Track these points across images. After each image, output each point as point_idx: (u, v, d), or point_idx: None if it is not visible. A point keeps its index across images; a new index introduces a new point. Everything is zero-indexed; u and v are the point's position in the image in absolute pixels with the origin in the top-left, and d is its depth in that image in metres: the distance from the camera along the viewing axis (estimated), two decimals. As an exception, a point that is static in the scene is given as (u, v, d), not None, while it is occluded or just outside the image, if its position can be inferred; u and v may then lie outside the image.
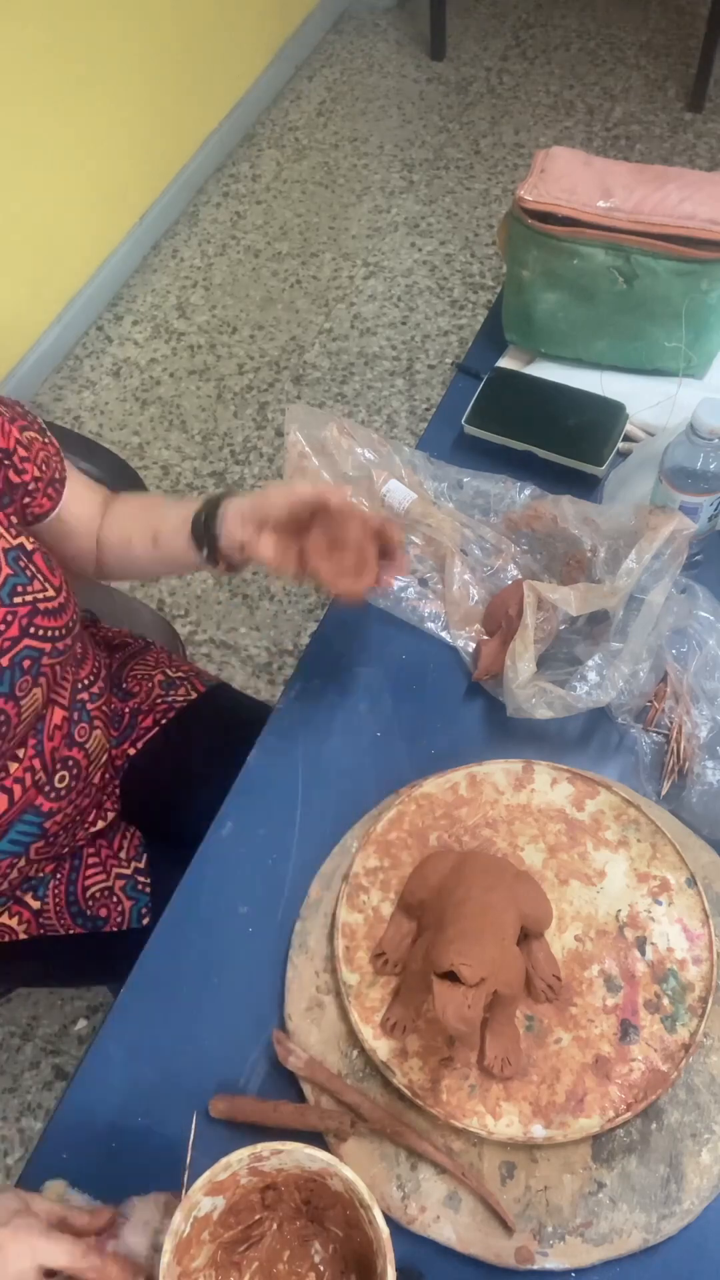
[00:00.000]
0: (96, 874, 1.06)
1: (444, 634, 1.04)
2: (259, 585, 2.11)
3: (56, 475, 0.97)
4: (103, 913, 1.05)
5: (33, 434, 0.94)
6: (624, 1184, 0.76)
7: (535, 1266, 0.73)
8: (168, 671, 1.21)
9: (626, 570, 0.93)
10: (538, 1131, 0.76)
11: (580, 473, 1.11)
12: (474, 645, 1.03)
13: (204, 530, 0.92)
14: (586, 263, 1.11)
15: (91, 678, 1.05)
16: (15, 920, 1.05)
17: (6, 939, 1.05)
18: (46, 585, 0.92)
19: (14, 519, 0.92)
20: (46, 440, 0.96)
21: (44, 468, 0.95)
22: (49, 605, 0.91)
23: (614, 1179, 0.76)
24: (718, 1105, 0.78)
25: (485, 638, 1.02)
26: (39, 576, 0.91)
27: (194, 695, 1.19)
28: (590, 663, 0.93)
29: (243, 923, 0.90)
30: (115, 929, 1.05)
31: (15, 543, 0.90)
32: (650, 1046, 0.79)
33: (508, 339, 1.24)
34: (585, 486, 1.09)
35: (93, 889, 1.06)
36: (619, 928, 0.85)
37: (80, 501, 1.00)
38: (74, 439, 1.27)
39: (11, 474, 0.91)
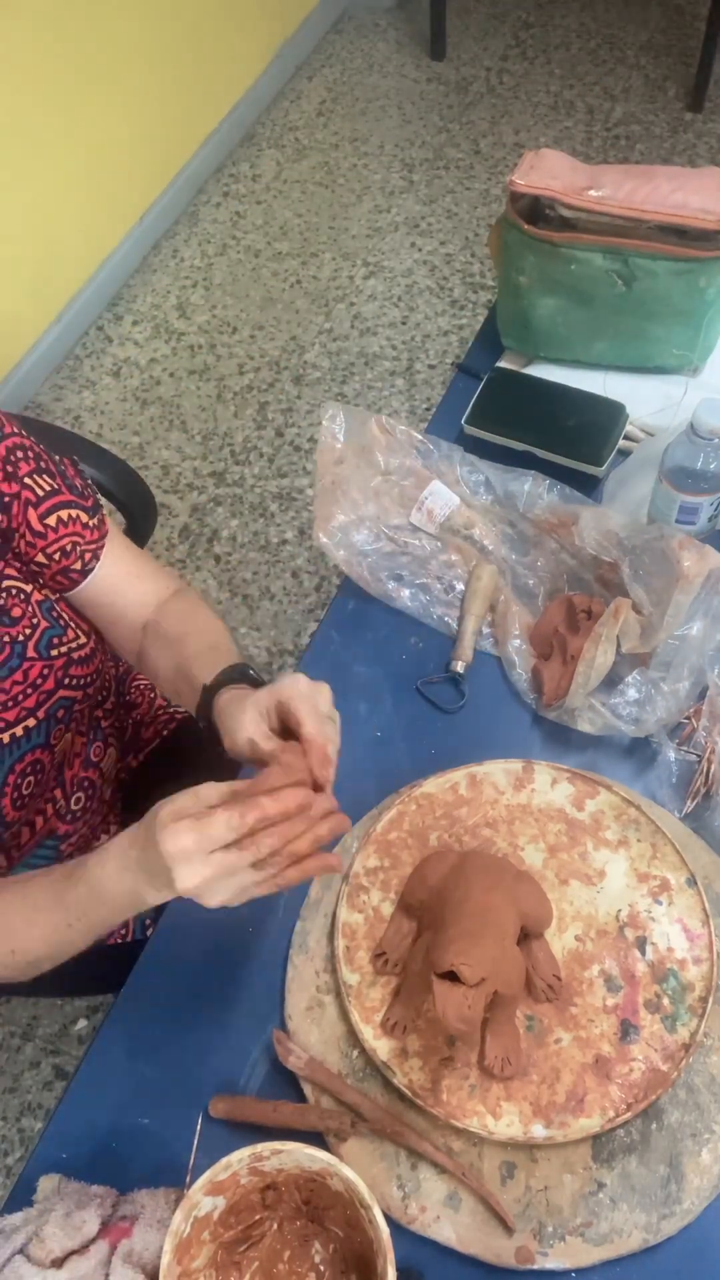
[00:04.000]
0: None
1: (458, 633, 1.04)
2: (259, 585, 2.11)
3: (75, 566, 0.90)
4: None
5: (76, 513, 0.88)
6: (624, 1184, 0.76)
7: (535, 1266, 0.73)
8: None
9: (669, 619, 0.93)
10: (538, 1131, 0.76)
11: (580, 473, 1.11)
12: (530, 668, 1.00)
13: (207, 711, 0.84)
14: (584, 267, 1.11)
15: (105, 694, 1.05)
16: None
17: None
18: (79, 633, 0.91)
19: (42, 574, 0.90)
20: (91, 525, 0.89)
21: (60, 556, 0.88)
22: (82, 654, 0.91)
23: (614, 1179, 0.76)
24: (718, 1105, 0.78)
25: (538, 659, 1.01)
26: (71, 625, 0.90)
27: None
28: (630, 679, 0.93)
29: (243, 923, 0.90)
30: (119, 940, 1.05)
31: (44, 595, 0.89)
32: (650, 1046, 0.79)
33: (505, 344, 1.24)
34: (585, 487, 1.09)
35: None
36: (619, 928, 0.85)
37: (123, 592, 0.93)
38: (76, 441, 1.26)
39: (22, 546, 0.88)
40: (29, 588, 0.88)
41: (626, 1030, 0.80)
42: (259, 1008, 0.85)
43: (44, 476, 0.87)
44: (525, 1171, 0.76)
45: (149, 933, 1.04)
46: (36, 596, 0.88)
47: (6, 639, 0.85)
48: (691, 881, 0.86)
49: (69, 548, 0.89)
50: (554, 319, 1.17)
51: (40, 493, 0.86)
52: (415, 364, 2.42)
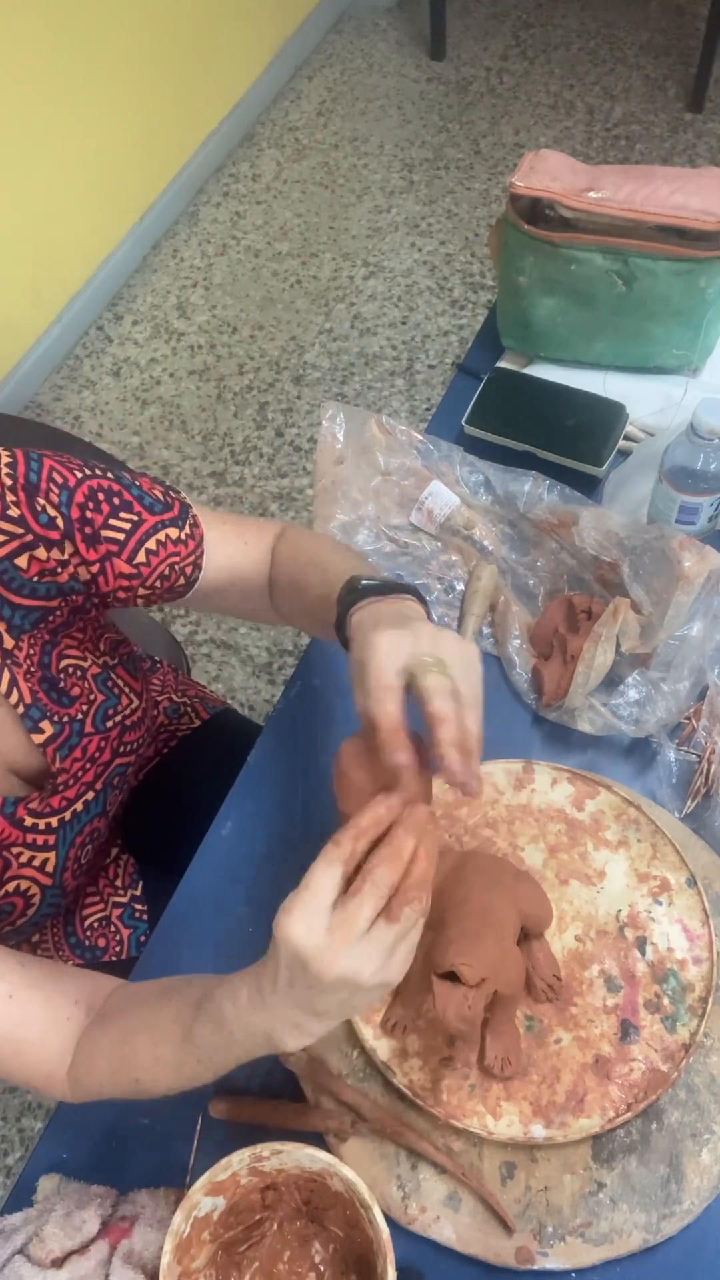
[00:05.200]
0: (94, 904, 1.05)
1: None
2: (259, 585, 2.11)
3: (179, 583, 0.84)
4: (101, 943, 1.04)
5: (168, 532, 0.81)
6: (624, 1184, 0.76)
7: (535, 1266, 0.73)
8: (174, 696, 1.20)
9: (670, 619, 0.93)
10: (538, 1131, 0.76)
11: (580, 473, 1.11)
12: (530, 668, 1.00)
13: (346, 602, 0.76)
14: (584, 267, 1.11)
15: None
16: None
17: None
18: (131, 697, 0.89)
19: (102, 641, 0.87)
20: (184, 537, 0.82)
21: (160, 582, 0.82)
22: (133, 719, 0.90)
23: (614, 1179, 0.76)
24: (718, 1105, 0.78)
25: (538, 659, 1.01)
26: (126, 692, 0.89)
27: (197, 723, 1.18)
28: (630, 679, 0.93)
29: (243, 923, 0.90)
30: (114, 958, 1.05)
31: (101, 662, 0.87)
32: (650, 1046, 0.79)
33: (504, 344, 1.24)
34: (585, 487, 1.09)
35: (90, 919, 1.05)
36: (619, 928, 0.85)
37: (237, 560, 0.87)
38: (76, 442, 1.27)
39: (113, 603, 0.83)
40: (86, 663, 0.85)
41: (626, 1030, 0.80)
42: (259, 1008, 0.85)
43: (123, 514, 0.79)
44: (525, 1171, 0.76)
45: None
46: (93, 671, 0.86)
47: (65, 719, 0.82)
48: (691, 882, 0.86)
49: (167, 571, 0.82)
50: (554, 319, 1.17)
51: (123, 535, 0.79)
52: (415, 364, 2.42)
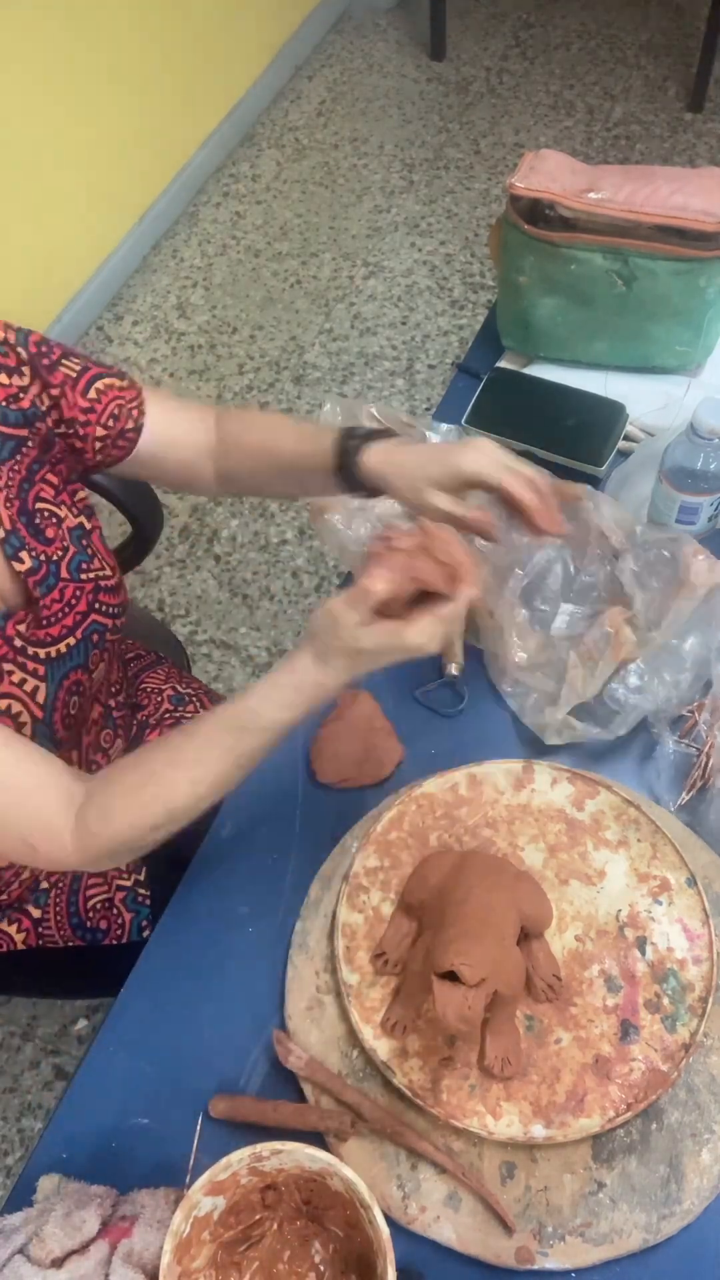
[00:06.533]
0: (97, 886, 1.06)
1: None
2: (259, 585, 2.11)
3: (128, 426, 0.94)
4: (103, 925, 1.05)
5: (109, 380, 0.92)
6: (624, 1184, 0.76)
7: (535, 1266, 0.73)
8: (178, 687, 1.21)
9: (667, 625, 0.93)
10: (538, 1131, 0.76)
11: (581, 473, 1.11)
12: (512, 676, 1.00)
13: (351, 445, 0.89)
14: (584, 267, 1.11)
15: (117, 686, 1.06)
16: (15, 928, 1.04)
17: (4, 948, 1.05)
18: (104, 564, 0.94)
19: (78, 495, 0.93)
20: (124, 385, 0.93)
21: (112, 422, 0.92)
22: (108, 583, 0.94)
23: (614, 1179, 0.76)
24: (718, 1105, 0.78)
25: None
26: (98, 555, 0.93)
27: (201, 712, 1.19)
28: (632, 666, 0.93)
29: (243, 923, 0.90)
30: (115, 941, 1.05)
31: (77, 522, 0.91)
32: (650, 1046, 0.79)
33: (504, 344, 1.24)
34: (585, 486, 1.09)
35: (93, 900, 1.05)
36: (619, 928, 0.85)
37: (179, 431, 0.97)
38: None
39: (76, 442, 0.91)
40: (62, 512, 0.90)
41: (626, 1030, 0.80)
42: (259, 1008, 0.85)
43: (72, 358, 0.90)
44: (525, 1171, 0.76)
45: (145, 935, 1.04)
46: (69, 523, 0.90)
47: (43, 557, 0.87)
48: (691, 881, 0.86)
49: (116, 411, 0.92)
50: (554, 319, 1.17)
51: (74, 373, 0.89)
52: (415, 364, 2.42)
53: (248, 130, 2.95)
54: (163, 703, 1.18)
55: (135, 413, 0.94)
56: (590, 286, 1.13)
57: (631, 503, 1.08)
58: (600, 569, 1.01)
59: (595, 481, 1.12)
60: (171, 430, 0.97)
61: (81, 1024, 1.65)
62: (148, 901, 1.06)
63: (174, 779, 0.78)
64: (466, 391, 1.18)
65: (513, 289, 1.18)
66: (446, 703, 1.00)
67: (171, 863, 0.97)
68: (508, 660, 0.99)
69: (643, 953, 0.83)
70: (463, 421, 1.15)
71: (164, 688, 1.20)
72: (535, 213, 1.12)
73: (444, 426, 1.10)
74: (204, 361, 2.47)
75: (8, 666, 0.83)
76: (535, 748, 0.97)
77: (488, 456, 0.83)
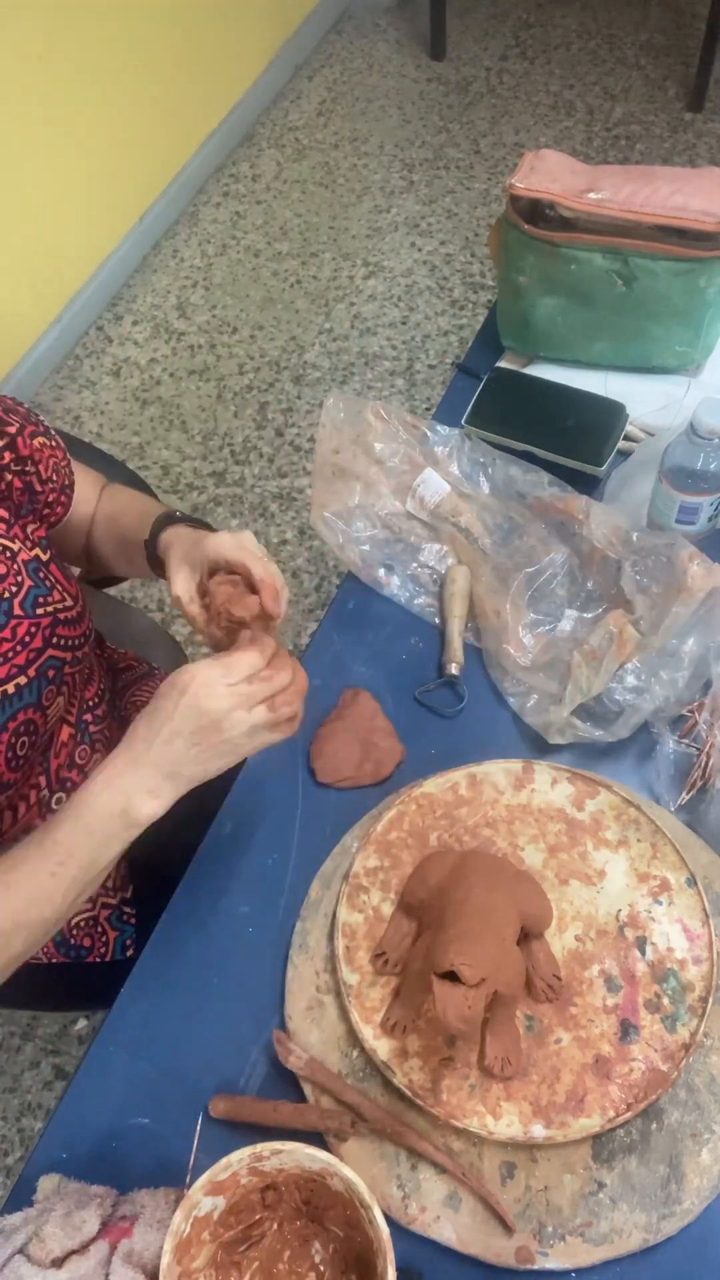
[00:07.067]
0: (83, 904, 1.05)
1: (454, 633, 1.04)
2: (259, 585, 2.11)
3: (66, 481, 0.97)
4: (86, 942, 1.04)
5: (41, 439, 0.93)
6: (624, 1184, 0.76)
7: (535, 1266, 0.73)
8: None
9: (665, 628, 0.93)
10: (538, 1131, 0.76)
11: (581, 473, 1.11)
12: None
13: (153, 538, 0.93)
14: (584, 267, 1.11)
15: (96, 699, 1.05)
16: None
17: None
18: (65, 595, 0.92)
19: (31, 529, 0.92)
20: (54, 444, 0.95)
21: (55, 475, 0.94)
22: (68, 615, 0.92)
23: (614, 1179, 0.76)
24: (718, 1105, 0.78)
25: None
26: (58, 587, 0.92)
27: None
28: (630, 666, 0.93)
29: (243, 923, 0.90)
30: (99, 959, 1.04)
31: (33, 554, 0.90)
32: (650, 1046, 0.79)
33: (504, 344, 1.24)
34: (586, 486, 1.09)
35: (78, 918, 1.04)
36: (619, 928, 0.85)
37: (85, 501, 1.01)
38: (75, 444, 1.26)
39: (35, 482, 0.91)
40: (15, 546, 0.89)
41: (626, 1030, 0.80)
42: (259, 1008, 0.85)
43: (10, 414, 0.91)
44: (525, 1171, 0.76)
45: (129, 954, 1.04)
46: (24, 556, 0.89)
47: None
48: (691, 881, 0.86)
49: (55, 466, 0.94)
50: (554, 319, 1.17)
51: (15, 428, 0.90)
52: (415, 364, 2.42)
53: (248, 130, 2.95)
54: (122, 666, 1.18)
55: (67, 470, 0.97)
56: (590, 286, 1.13)
57: (631, 503, 1.08)
58: (603, 576, 1.01)
59: (595, 481, 1.12)
60: (84, 496, 1.00)
61: (81, 1024, 1.65)
62: (133, 920, 1.05)
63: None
64: (466, 391, 1.18)
65: (513, 289, 1.18)
66: (446, 702, 1.00)
67: (156, 881, 0.96)
68: (510, 660, 0.99)
69: (643, 953, 0.83)
70: (463, 421, 1.15)
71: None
72: (535, 213, 1.12)
73: (442, 429, 1.11)
74: (204, 361, 2.47)
75: None
76: (536, 748, 0.97)
77: (230, 542, 0.83)
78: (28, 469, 0.90)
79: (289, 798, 0.96)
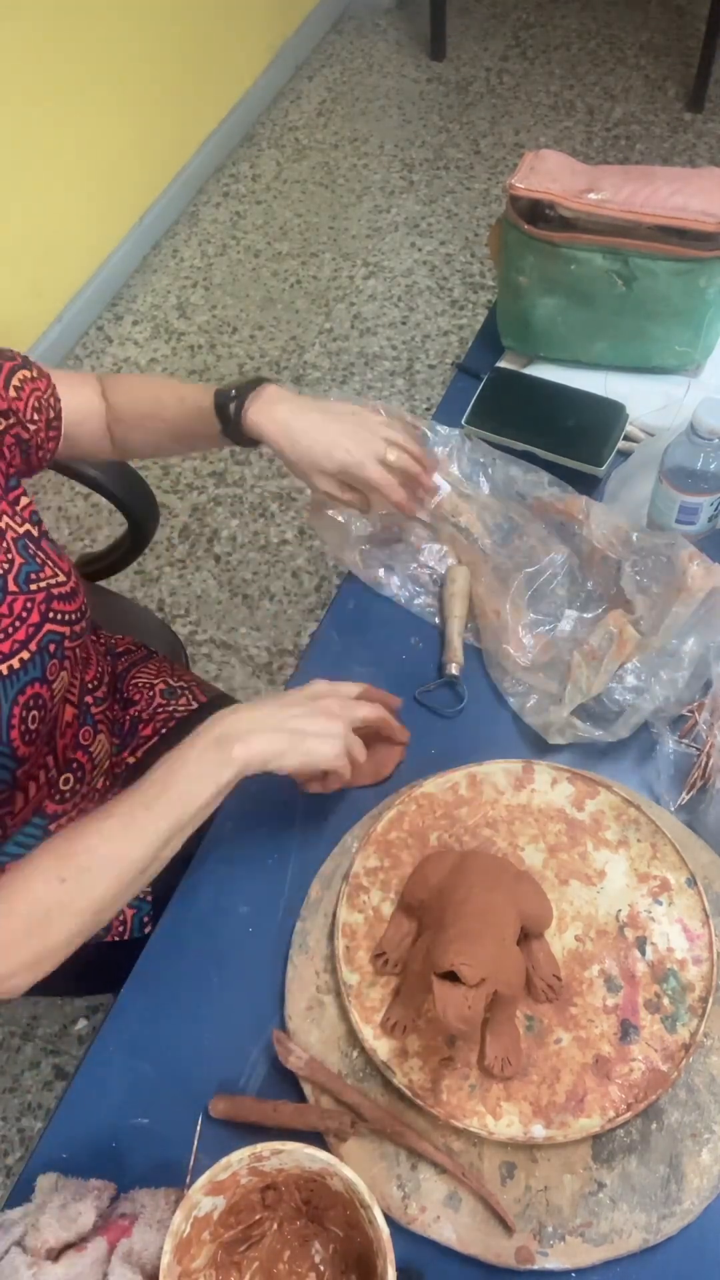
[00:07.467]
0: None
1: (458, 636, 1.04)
2: (259, 585, 2.11)
3: (51, 415, 0.97)
4: None
5: (23, 373, 0.93)
6: (624, 1184, 0.76)
7: (535, 1266, 0.73)
8: (170, 681, 1.21)
9: (665, 628, 0.93)
10: (538, 1131, 0.76)
11: (581, 473, 1.11)
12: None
13: (230, 408, 0.96)
14: (584, 267, 1.11)
15: (96, 682, 1.05)
16: None
17: None
18: (56, 571, 0.93)
19: (22, 503, 0.92)
20: (36, 375, 0.95)
21: (37, 415, 0.94)
22: (62, 590, 0.93)
23: (614, 1179, 0.76)
24: (718, 1105, 0.78)
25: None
26: (49, 563, 0.92)
27: (195, 705, 1.19)
28: (630, 665, 0.93)
29: (243, 923, 0.90)
30: (117, 938, 1.05)
31: (23, 530, 0.90)
32: (650, 1046, 0.79)
33: (505, 345, 1.24)
34: (585, 486, 1.09)
35: None
36: (619, 928, 0.85)
37: (77, 403, 1.01)
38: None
39: (22, 431, 0.92)
40: (3, 524, 0.89)
41: (626, 1030, 0.80)
42: (259, 1008, 0.85)
43: None
44: (525, 1171, 0.76)
45: (147, 930, 1.04)
46: (12, 534, 0.89)
47: None
48: (691, 881, 0.86)
49: (39, 405, 0.95)
50: (554, 319, 1.17)
51: None
52: (415, 364, 2.42)
53: (248, 130, 2.95)
54: (154, 698, 1.18)
55: (53, 400, 0.97)
56: (590, 286, 1.13)
57: (631, 503, 1.08)
58: (603, 576, 1.02)
59: (595, 481, 1.12)
60: (79, 410, 1.01)
61: (81, 1024, 1.65)
62: (149, 898, 1.06)
63: (77, 890, 0.77)
64: (466, 391, 1.18)
65: (513, 289, 1.18)
66: (446, 702, 1.00)
67: (173, 860, 0.97)
68: (510, 660, 0.99)
69: (643, 953, 0.83)
70: (463, 421, 1.15)
71: (155, 683, 1.20)
72: (535, 213, 1.12)
73: (442, 429, 1.10)
74: (204, 361, 2.47)
75: None
76: (536, 748, 0.97)
77: (362, 448, 0.94)
78: (11, 420, 0.91)
79: (289, 798, 0.96)
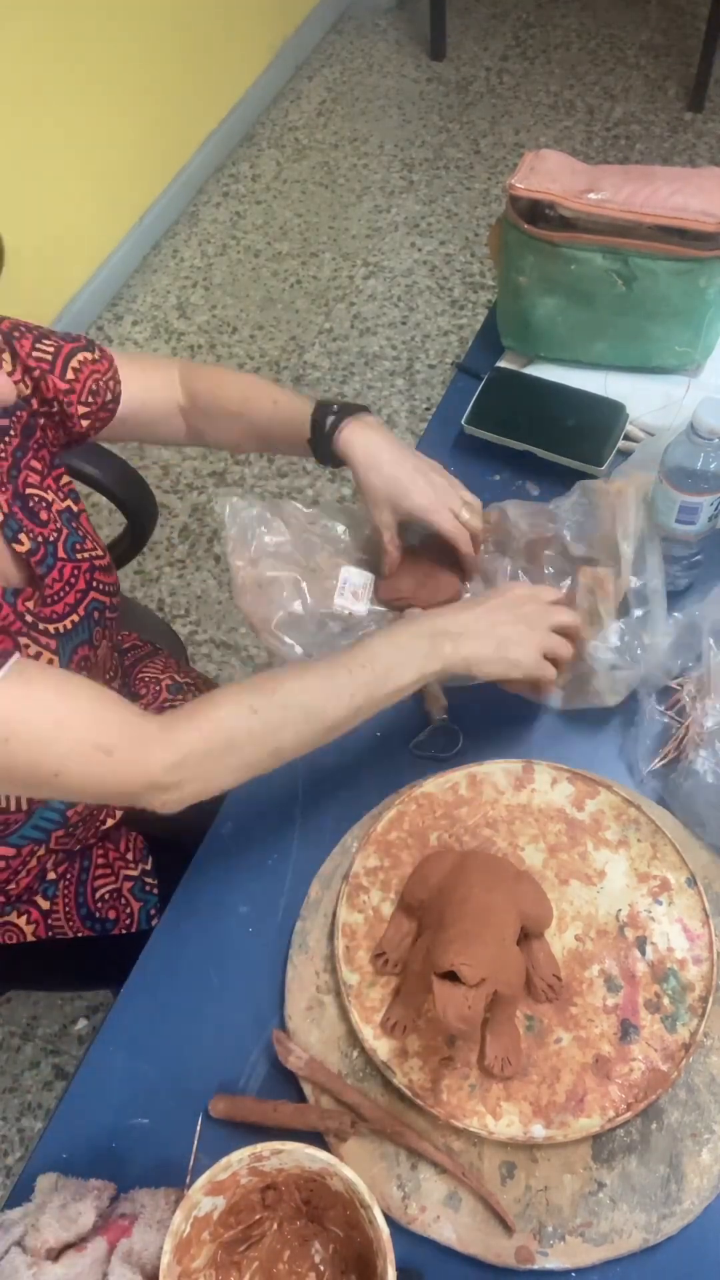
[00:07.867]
0: (105, 876, 1.06)
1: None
2: (259, 585, 2.11)
3: (108, 398, 0.98)
4: (111, 915, 1.05)
5: (84, 355, 0.95)
6: (624, 1184, 0.76)
7: (535, 1266, 0.73)
8: (175, 677, 1.21)
9: (624, 566, 0.94)
10: (538, 1131, 0.76)
11: (580, 473, 1.11)
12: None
13: (328, 423, 0.97)
14: (584, 267, 1.11)
15: (111, 675, 1.06)
16: (24, 920, 1.05)
17: (13, 940, 1.05)
18: (95, 545, 0.96)
19: (63, 481, 0.95)
20: (97, 358, 0.97)
21: (92, 398, 0.96)
22: (102, 563, 0.96)
23: (614, 1179, 0.76)
24: (718, 1105, 0.78)
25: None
26: (89, 536, 0.96)
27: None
28: (616, 626, 0.94)
29: (243, 923, 0.90)
30: (124, 931, 1.05)
31: (64, 505, 0.94)
32: (650, 1046, 0.79)
33: (505, 345, 1.24)
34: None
35: (101, 891, 1.05)
36: (619, 928, 0.85)
37: (139, 386, 1.02)
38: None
39: (61, 417, 0.94)
40: (49, 496, 0.92)
41: (626, 1030, 0.80)
42: (259, 1008, 0.85)
43: (44, 341, 0.93)
44: (525, 1171, 0.76)
45: (154, 923, 1.04)
46: (57, 506, 0.93)
47: (40, 539, 0.89)
48: (691, 881, 0.86)
49: (95, 387, 0.96)
50: (554, 319, 1.17)
51: (49, 357, 0.92)
52: (415, 364, 2.42)
53: (248, 130, 2.95)
54: (160, 692, 1.19)
55: (112, 384, 0.98)
56: (590, 286, 1.13)
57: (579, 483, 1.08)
58: (552, 554, 1.03)
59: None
60: (144, 395, 1.02)
61: (81, 1024, 1.65)
62: (155, 890, 1.06)
63: (284, 713, 0.80)
64: (466, 391, 1.18)
65: (513, 289, 1.18)
66: (442, 747, 0.98)
67: (176, 854, 0.97)
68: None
69: (643, 953, 0.83)
70: (463, 421, 1.15)
71: (161, 678, 1.20)
72: (535, 212, 1.12)
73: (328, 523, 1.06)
74: (204, 361, 2.47)
75: (24, 640, 0.85)
76: (536, 748, 0.97)
77: (440, 498, 0.97)
78: (53, 409, 0.93)
79: (289, 797, 0.96)
